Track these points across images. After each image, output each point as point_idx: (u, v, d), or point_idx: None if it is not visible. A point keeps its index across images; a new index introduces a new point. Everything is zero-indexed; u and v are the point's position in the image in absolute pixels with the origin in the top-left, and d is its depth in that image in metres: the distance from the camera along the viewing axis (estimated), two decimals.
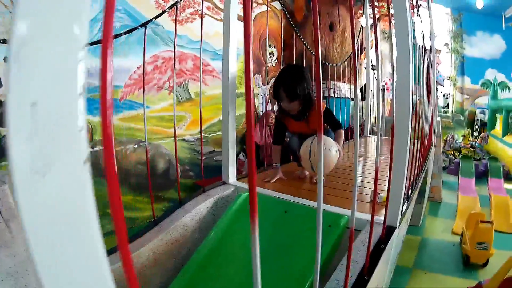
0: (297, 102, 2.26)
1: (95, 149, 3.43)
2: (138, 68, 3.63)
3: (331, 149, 2.21)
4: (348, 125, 5.22)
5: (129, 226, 1.98)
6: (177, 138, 4.01)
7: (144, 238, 1.96)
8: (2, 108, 2.81)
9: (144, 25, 2.08)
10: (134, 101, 3.67)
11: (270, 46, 5.16)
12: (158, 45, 3.81)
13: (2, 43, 2.42)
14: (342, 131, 2.42)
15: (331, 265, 1.69)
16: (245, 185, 2.43)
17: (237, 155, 4.76)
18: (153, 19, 2.22)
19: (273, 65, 5.24)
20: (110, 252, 1.86)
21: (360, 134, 5.15)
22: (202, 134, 4.35)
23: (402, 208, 1.76)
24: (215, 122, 4.65)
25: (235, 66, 2.34)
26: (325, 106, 2.49)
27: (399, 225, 1.77)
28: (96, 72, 3.27)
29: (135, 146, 3.74)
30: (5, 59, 2.77)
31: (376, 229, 1.66)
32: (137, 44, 3.55)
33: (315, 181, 2.41)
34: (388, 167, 1.55)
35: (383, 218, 1.67)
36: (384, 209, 1.69)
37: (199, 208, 2.21)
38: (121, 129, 3.60)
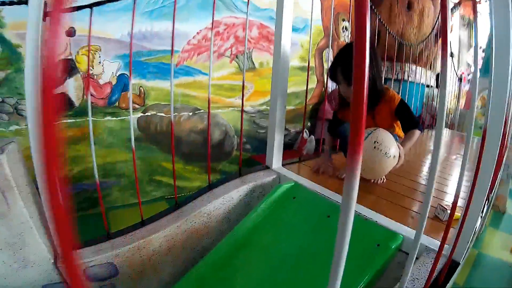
0: None
1: (147, 114, 3.35)
2: (197, 33, 3.46)
3: (388, 152, 1.81)
4: (419, 114, 4.73)
5: (178, 195, 1.87)
6: (237, 109, 3.88)
7: (161, 222, 1.83)
8: None
9: None
10: (192, 67, 3.53)
11: (344, 20, 4.74)
12: (221, 11, 3.59)
13: None
14: (417, 133, 1.99)
15: None
16: (291, 173, 2.20)
17: (300, 132, 4.54)
18: None
19: (346, 41, 4.83)
20: (143, 223, 1.79)
21: (430, 126, 4.65)
22: (264, 107, 4.21)
23: (474, 237, 1.42)
24: None
25: (289, 38, 2.07)
26: (399, 98, 2.02)
27: (463, 259, 1.43)
28: (150, 36, 3.16)
29: (190, 114, 3.63)
30: None
31: (430, 258, 1.38)
32: (197, 9, 3.37)
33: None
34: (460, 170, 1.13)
35: (446, 246, 1.32)
36: (452, 233, 1.34)
37: (229, 196, 2.02)
38: (176, 95, 3.48)
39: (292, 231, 1.70)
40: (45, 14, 1.35)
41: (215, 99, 3.78)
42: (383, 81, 1.94)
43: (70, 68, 2.87)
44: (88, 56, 2.88)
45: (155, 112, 3.39)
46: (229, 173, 3.89)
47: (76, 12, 1.66)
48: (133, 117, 3.29)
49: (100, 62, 2.98)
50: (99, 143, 3.11)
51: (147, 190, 3.53)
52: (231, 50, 3.77)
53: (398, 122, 2.10)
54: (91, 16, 1.51)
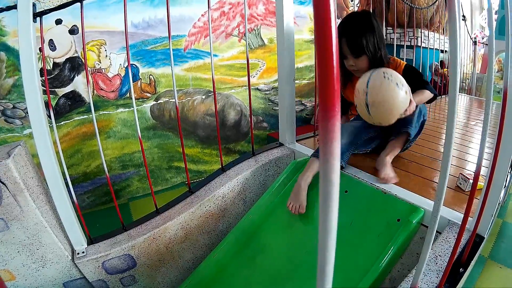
0: (365, 60, 1.72)
1: (159, 101, 3.35)
2: (202, 15, 3.41)
3: (400, 83, 1.52)
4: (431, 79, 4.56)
5: (197, 179, 1.90)
6: (250, 87, 3.83)
7: (175, 209, 1.84)
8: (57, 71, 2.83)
9: None
10: (200, 50, 3.50)
11: None
12: None
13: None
14: (427, 92, 1.78)
15: (394, 269, 1.42)
16: (305, 149, 2.16)
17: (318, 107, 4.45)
18: None
19: (355, 10, 4.67)
20: (157, 212, 1.80)
21: (443, 92, 4.46)
22: (277, 84, 4.15)
23: (498, 208, 1.34)
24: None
25: (291, 10, 2.00)
26: (405, 63, 1.85)
27: (488, 233, 1.37)
28: (156, 24, 3.13)
29: (203, 97, 3.61)
30: (57, 21, 2.72)
31: (454, 232, 1.32)
32: None
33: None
34: (481, 136, 1.02)
35: (470, 219, 1.28)
36: (476, 204, 1.27)
37: (243, 176, 2.01)
38: (187, 79, 3.46)
39: (309, 208, 1.67)
40: (35, 15, 1.35)
41: (227, 80, 3.75)
42: (386, 50, 1.81)
43: (77, 65, 2.89)
44: (84, 54, 2.88)
45: (167, 99, 3.39)
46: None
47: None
48: (146, 106, 3.31)
49: (106, 56, 2.99)
50: (114, 136, 3.14)
51: (167, 177, 3.56)
52: (238, 29, 3.72)
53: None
54: (82, 9, 1.49)
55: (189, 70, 3.48)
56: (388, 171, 1.71)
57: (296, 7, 4.00)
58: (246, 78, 3.79)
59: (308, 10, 4.18)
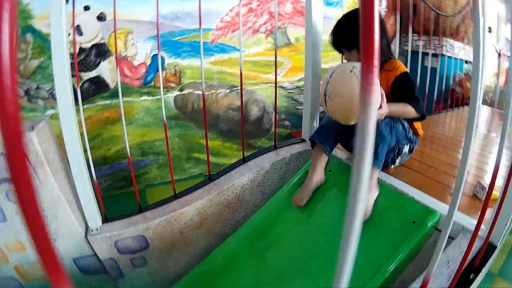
0: (356, 53, 1.62)
1: (183, 92, 3.37)
2: (230, 10, 3.42)
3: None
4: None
5: (215, 172, 1.88)
6: (274, 85, 3.81)
7: (193, 195, 1.84)
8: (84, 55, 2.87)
9: None
10: (226, 44, 3.50)
11: None
12: None
13: None
14: (410, 108, 1.55)
15: (406, 271, 1.38)
16: None
17: None
18: None
19: (381, 13, 4.60)
20: (175, 197, 1.80)
21: (464, 102, 4.31)
22: (302, 83, 4.12)
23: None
24: None
25: (320, 12, 1.97)
26: (404, 70, 1.65)
27: (501, 243, 1.33)
28: (183, 16, 3.15)
29: (227, 91, 3.62)
30: (85, 7, 2.77)
31: (467, 239, 1.26)
32: None
33: None
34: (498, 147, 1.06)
35: (484, 227, 1.24)
36: (490, 213, 1.23)
37: (263, 169, 1.99)
38: (212, 72, 3.47)
39: (327, 205, 1.64)
40: None
41: (251, 76, 3.75)
42: (386, 49, 1.67)
43: (103, 51, 2.93)
44: (115, 41, 2.91)
45: (191, 90, 3.40)
46: None
47: None
48: (170, 96, 3.33)
49: (133, 44, 3.02)
50: (136, 123, 3.17)
51: (185, 167, 3.57)
52: (266, 26, 3.70)
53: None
54: None
55: (214, 63, 3.49)
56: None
57: (324, 8, 3.96)
58: (270, 75, 3.81)
59: (336, 12, 4.13)
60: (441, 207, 1.43)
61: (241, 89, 2.00)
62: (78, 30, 2.79)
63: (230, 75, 3.59)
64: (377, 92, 1.27)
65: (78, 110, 1.49)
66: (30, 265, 1.50)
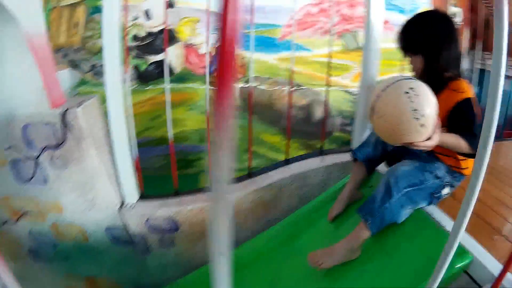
0: (419, 60, 1.44)
1: (248, 85, 3.41)
2: (301, 9, 3.41)
3: (419, 110, 1.16)
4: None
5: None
6: (340, 89, 3.75)
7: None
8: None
9: None
10: (295, 43, 3.47)
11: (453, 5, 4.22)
12: None
13: None
14: (464, 143, 1.31)
15: None
16: None
17: None
18: None
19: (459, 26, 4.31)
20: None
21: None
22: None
23: None
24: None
25: (380, 18, 1.91)
26: (469, 95, 1.39)
27: None
28: (256, 9, 3.17)
29: (292, 89, 3.61)
30: None
31: None
32: None
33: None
34: None
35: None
36: None
37: (304, 173, 1.98)
38: (278, 69, 3.47)
39: (357, 223, 1.58)
40: None
41: (317, 76, 3.70)
42: (458, 64, 1.45)
43: (169, 37, 3.04)
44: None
45: (256, 84, 3.43)
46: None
47: None
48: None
49: (200, 33, 3.11)
50: (197, 109, 3.26)
51: (242, 159, 3.61)
52: (336, 28, 3.64)
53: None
54: None
55: (281, 60, 3.48)
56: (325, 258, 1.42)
57: (396, 15, 3.79)
58: (338, 78, 3.74)
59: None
60: (476, 248, 1.25)
61: (291, 89, 1.99)
62: (146, 14, 2.91)
63: (295, 74, 3.57)
64: (433, 120, 1.19)
65: (136, 91, 1.56)
66: (64, 225, 1.61)
